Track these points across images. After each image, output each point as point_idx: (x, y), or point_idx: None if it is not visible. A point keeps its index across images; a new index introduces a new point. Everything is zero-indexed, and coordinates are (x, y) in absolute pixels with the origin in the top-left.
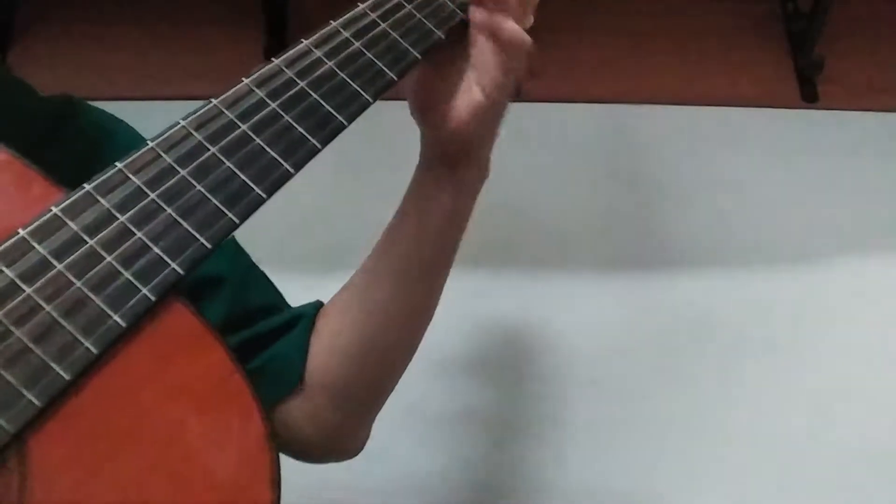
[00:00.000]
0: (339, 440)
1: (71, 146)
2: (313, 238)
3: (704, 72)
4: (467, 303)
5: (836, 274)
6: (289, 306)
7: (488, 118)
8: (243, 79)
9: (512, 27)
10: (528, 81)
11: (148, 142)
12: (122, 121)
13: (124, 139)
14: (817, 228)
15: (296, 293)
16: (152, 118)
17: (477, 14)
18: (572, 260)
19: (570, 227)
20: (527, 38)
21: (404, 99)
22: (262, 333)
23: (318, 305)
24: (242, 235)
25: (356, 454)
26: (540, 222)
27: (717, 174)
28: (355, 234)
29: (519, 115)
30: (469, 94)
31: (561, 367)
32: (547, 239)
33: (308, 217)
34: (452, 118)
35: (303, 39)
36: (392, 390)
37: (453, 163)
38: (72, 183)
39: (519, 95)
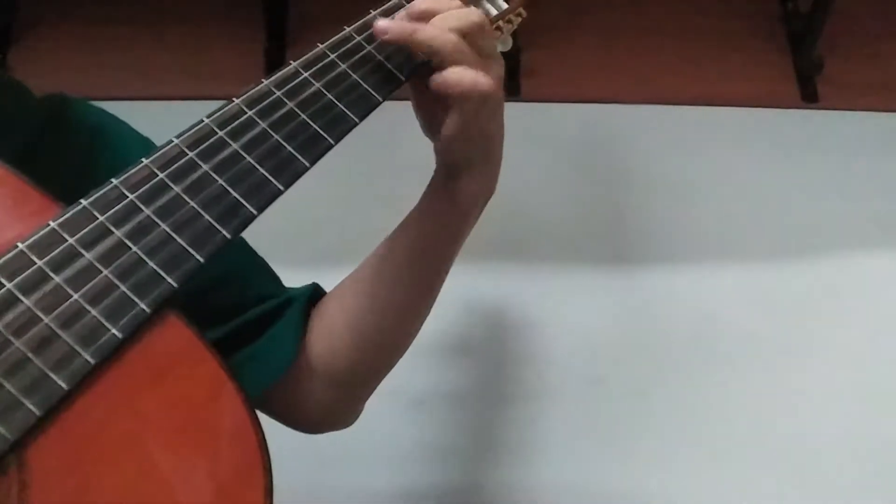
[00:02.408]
0: (333, 415)
1: (64, 144)
2: (313, 238)
3: (704, 72)
4: (466, 301)
5: (837, 273)
6: (285, 290)
7: (472, 134)
8: (234, 99)
9: (465, 85)
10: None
11: (143, 159)
12: (113, 116)
13: (116, 134)
14: (817, 228)
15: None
16: (152, 118)
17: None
18: (572, 259)
19: (570, 226)
20: (483, 85)
21: (408, 99)
22: (257, 318)
23: (314, 288)
24: (244, 235)
25: (348, 426)
26: (539, 221)
27: (717, 174)
28: (355, 234)
29: (519, 115)
30: (452, 110)
31: (560, 366)
32: (546, 238)
33: (308, 217)
34: (443, 132)
35: (291, 61)
36: (385, 374)
37: (454, 174)
38: (66, 181)
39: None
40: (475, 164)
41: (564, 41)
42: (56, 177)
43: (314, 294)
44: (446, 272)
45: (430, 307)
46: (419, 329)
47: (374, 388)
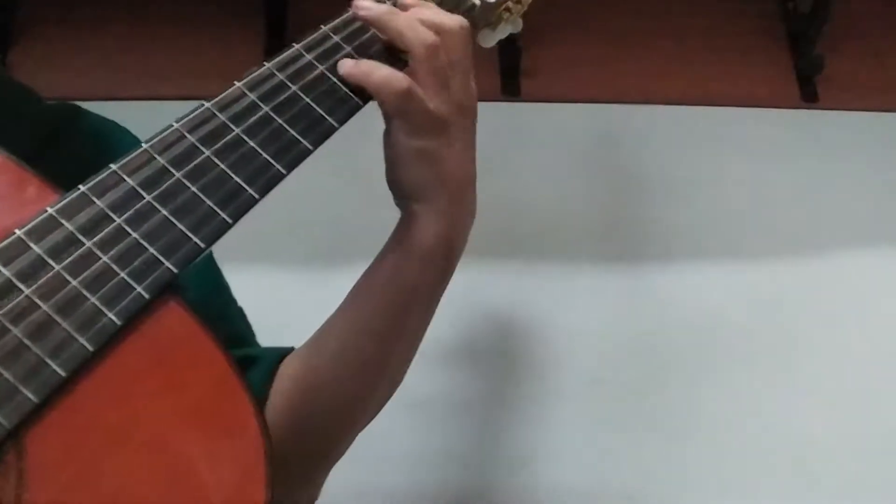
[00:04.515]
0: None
1: (72, 153)
2: (313, 238)
3: (704, 72)
4: (466, 301)
5: (837, 273)
6: (256, 344)
7: (410, 156)
8: (235, 82)
9: (376, 79)
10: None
11: (142, 144)
12: (124, 129)
13: (126, 147)
14: (817, 228)
15: (295, 291)
16: (152, 118)
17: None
18: (572, 259)
19: (570, 226)
20: (400, 83)
21: None
22: None
23: (284, 352)
24: (243, 236)
25: None
26: (539, 221)
27: (717, 174)
28: (356, 233)
29: (519, 115)
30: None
31: (560, 365)
32: (546, 238)
33: (308, 216)
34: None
35: (294, 44)
36: (340, 452)
37: (407, 209)
38: (71, 189)
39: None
40: (429, 198)
41: (564, 41)
42: (61, 182)
43: (284, 356)
44: (409, 341)
45: (392, 380)
46: (376, 404)
47: (328, 464)
